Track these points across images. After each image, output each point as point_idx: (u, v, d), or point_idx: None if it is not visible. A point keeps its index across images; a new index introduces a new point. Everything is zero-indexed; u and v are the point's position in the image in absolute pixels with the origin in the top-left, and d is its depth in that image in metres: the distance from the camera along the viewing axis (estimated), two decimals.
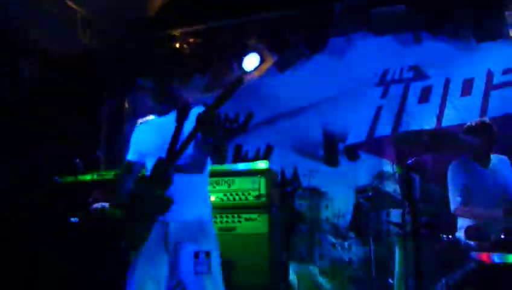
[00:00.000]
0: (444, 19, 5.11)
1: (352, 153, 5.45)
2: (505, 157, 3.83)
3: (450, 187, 3.82)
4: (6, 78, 5.10)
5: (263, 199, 3.94)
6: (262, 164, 4.10)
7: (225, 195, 4.08)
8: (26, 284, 3.88)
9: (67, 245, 3.99)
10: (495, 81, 5.06)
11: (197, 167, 2.50)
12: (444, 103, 5.19)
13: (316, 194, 5.39)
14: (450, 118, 5.10)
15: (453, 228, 3.79)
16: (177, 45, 5.97)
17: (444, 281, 3.05)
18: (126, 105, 6.49)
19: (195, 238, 2.37)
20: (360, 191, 4.10)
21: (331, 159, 5.53)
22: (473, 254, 3.12)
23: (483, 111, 4.96)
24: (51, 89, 5.50)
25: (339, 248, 5.20)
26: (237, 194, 4.04)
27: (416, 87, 5.36)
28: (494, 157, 3.81)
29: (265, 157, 5.75)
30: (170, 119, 2.54)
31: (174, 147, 2.41)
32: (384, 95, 5.49)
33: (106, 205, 4.16)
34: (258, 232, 3.86)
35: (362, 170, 5.29)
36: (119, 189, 2.70)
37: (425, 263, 3.05)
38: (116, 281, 2.47)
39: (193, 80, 6.13)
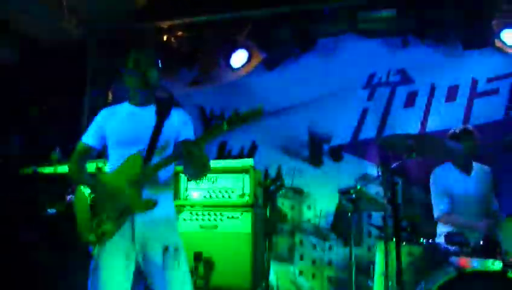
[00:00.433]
0: (432, 25, 5.14)
1: (337, 154, 5.47)
2: (487, 168, 3.89)
3: (433, 194, 3.86)
4: None
5: (247, 197, 3.91)
6: (246, 162, 4.07)
7: (208, 192, 4.04)
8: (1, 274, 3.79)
9: (42, 236, 3.91)
10: (479, 88, 5.13)
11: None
12: (429, 108, 5.23)
13: (298, 194, 5.39)
14: (434, 124, 5.15)
15: (434, 233, 3.83)
16: (165, 38, 5.88)
17: (423, 285, 3.08)
18: (110, 96, 6.39)
19: (163, 234, 2.35)
20: (342, 192, 4.08)
21: (315, 160, 5.54)
22: (453, 258, 3.16)
23: (467, 118, 5.03)
24: (32, 75, 5.38)
25: (320, 248, 5.21)
26: (220, 192, 4.00)
27: (402, 91, 5.40)
28: (477, 166, 3.86)
29: (250, 154, 5.72)
30: (147, 112, 2.46)
31: (154, 147, 2.35)
32: (370, 97, 5.51)
33: None
34: (241, 231, 3.82)
35: (346, 172, 5.31)
36: (72, 173, 2.56)
37: (405, 266, 3.08)
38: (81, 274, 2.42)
39: (179, 73, 6.06)
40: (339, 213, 5.15)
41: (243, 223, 3.85)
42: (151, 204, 2.26)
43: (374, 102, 5.47)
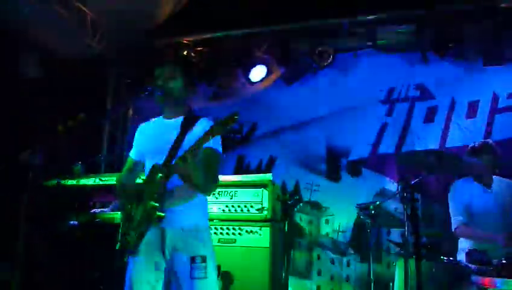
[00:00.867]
0: (451, 41, 5.13)
1: (355, 169, 5.45)
2: (508, 181, 3.84)
3: (452, 206, 3.83)
4: (11, 77, 5.10)
5: (265, 212, 3.91)
6: (265, 177, 4.07)
7: (227, 206, 4.05)
8: (25, 285, 3.85)
9: (65, 248, 3.97)
10: (500, 104, 5.08)
11: None
12: (449, 124, 5.20)
13: (316, 208, 5.38)
14: (454, 139, 5.11)
15: (454, 250, 3.78)
16: (185, 53, 5.98)
17: None
18: (130, 111, 6.50)
19: (192, 244, 2.37)
20: (361, 207, 4.07)
21: (333, 174, 5.53)
22: (475, 277, 3.10)
23: (488, 133, 4.98)
24: (55, 90, 5.51)
25: (338, 264, 5.17)
26: (239, 206, 4.01)
27: (421, 107, 5.38)
28: (497, 180, 3.82)
29: (268, 169, 5.74)
30: (174, 124, 2.51)
31: (172, 158, 2.37)
32: (389, 112, 5.49)
33: (106, 209, 4.17)
34: (259, 245, 3.81)
35: (364, 187, 5.28)
36: (120, 187, 2.65)
37: (426, 284, 3.04)
38: (111, 284, 2.45)
39: (199, 88, 6.14)
40: (358, 228, 5.11)
41: (261, 237, 3.84)
42: (158, 217, 2.26)
43: (393, 117, 5.46)
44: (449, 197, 3.87)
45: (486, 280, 2.94)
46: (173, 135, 2.45)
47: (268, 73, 5.85)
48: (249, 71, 5.83)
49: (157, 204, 2.27)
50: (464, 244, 3.71)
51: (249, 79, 5.86)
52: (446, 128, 5.19)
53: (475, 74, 5.23)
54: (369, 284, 3.97)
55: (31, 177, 3.38)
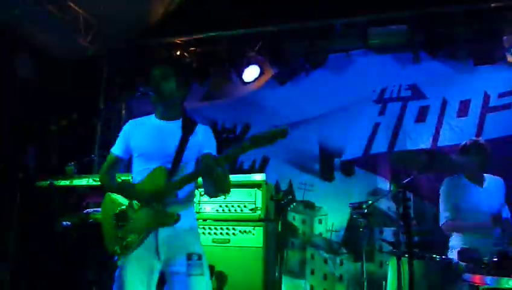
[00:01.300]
0: (443, 41, 5.17)
1: (348, 168, 5.48)
2: (500, 179, 3.87)
3: (441, 203, 3.85)
4: (4, 78, 5.07)
5: (259, 212, 3.93)
6: (259, 177, 4.09)
7: (220, 206, 4.06)
8: (18, 284, 3.83)
9: (58, 248, 3.96)
10: (491, 103, 5.13)
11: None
12: (441, 123, 5.24)
13: (309, 208, 5.40)
14: (446, 138, 5.15)
15: (445, 247, 3.82)
16: (178, 53, 5.98)
17: None
18: (123, 111, 6.48)
19: (187, 243, 2.37)
20: (354, 207, 4.09)
21: (326, 174, 5.56)
22: (466, 275, 3.13)
23: (479, 132, 5.02)
24: (48, 89, 5.49)
25: (331, 263, 5.19)
26: (232, 206, 4.02)
27: (413, 106, 5.42)
28: (489, 178, 3.85)
29: (261, 168, 5.75)
30: (173, 127, 2.49)
31: (178, 162, 2.38)
32: (381, 112, 5.53)
33: (99, 209, 4.15)
34: (253, 245, 3.83)
35: (357, 186, 5.31)
36: (104, 181, 2.63)
37: (418, 282, 3.06)
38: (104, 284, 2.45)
39: (192, 88, 6.12)
40: (351, 228, 5.14)
41: (255, 237, 3.86)
42: (175, 219, 2.28)
43: (386, 117, 5.49)
44: (440, 191, 3.90)
45: (477, 278, 2.97)
46: (175, 140, 2.43)
47: (261, 73, 5.86)
48: (242, 71, 5.84)
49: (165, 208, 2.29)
50: (455, 242, 3.74)
51: (242, 79, 5.87)
52: (438, 127, 5.23)
53: (466, 74, 5.28)
54: (362, 283, 4.00)
55: (22, 177, 3.38)
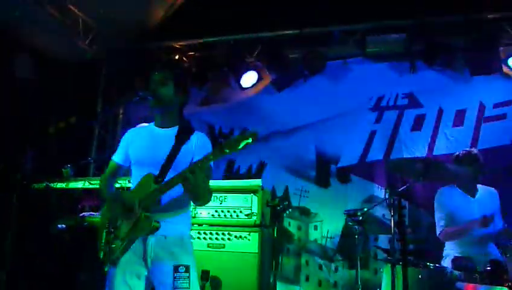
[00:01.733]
0: (440, 50, 5.21)
1: (344, 175, 5.49)
2: (493, 189, 3.90)
3: (436, 212, 3.89)
4: (3, 78, 5.08)
5: (254, 217, 3.92)
6: (255, 182, 4.09)
7: (216, 211, 4.06)
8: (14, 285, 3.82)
9: (53, 251, 3.95)
10: (486, 113, 5.17)
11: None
12: (436, 132, 5.27)
13: (305, 214, 5.41)
14: (441, 147, 5.18)
15: (440, 256, 3.84)
16: (177, 57, 6.00)
17: None
18: (121, 114, 6.49)
19: (175, 253, 2.35)
20: (349, 214, 4.11)
21: (322, 180, 5.57)
22: (459, 284, 3.15)
23: (474, 142, 5.06)
24: (46, 91, 5.49)
25: (326, 269, 5.20)
26: (228, 211, 4.02)
27: (409, 115, 5.45)
28: (482, 188, 3.88)
29: (257, 174, 5.76)
30: (168, 134, 2.48)
31: (167, 170, 2.36)
32: (378, 120, 5.55)
33: (94, 213, 4.15)
34: (248, 251, 3.81)
35: (353, 193, 5.33)
36: (101, 189, 2.67)
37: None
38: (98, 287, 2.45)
39: (190, 94, 6.13)
40: (346, 235, 5.15)
41: (250, 243, 3.85)
42: (154, 226, 2.25)
43: (382, 125, 5.52)
44: (434, 201, 3.93)
45: (470, 287, 2.99)
46: (168, 147, 2.42)
47: (259, 79, 5.89)
48: (240, 77, 5.86)
49: (149, 214, 2.26)
50: (449, 251, 3.77)
51: (240, 84, 5.90)
52: (433, 136, 5.26)
53: (462, 84, 5.32)
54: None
55: (19, 179, 3.37)
